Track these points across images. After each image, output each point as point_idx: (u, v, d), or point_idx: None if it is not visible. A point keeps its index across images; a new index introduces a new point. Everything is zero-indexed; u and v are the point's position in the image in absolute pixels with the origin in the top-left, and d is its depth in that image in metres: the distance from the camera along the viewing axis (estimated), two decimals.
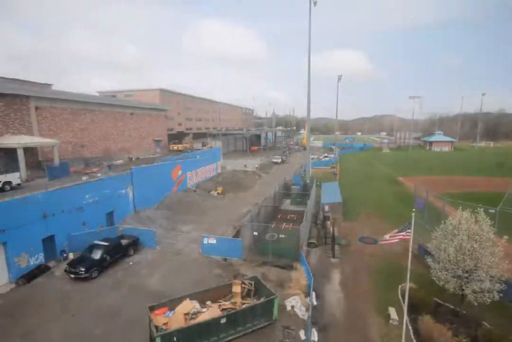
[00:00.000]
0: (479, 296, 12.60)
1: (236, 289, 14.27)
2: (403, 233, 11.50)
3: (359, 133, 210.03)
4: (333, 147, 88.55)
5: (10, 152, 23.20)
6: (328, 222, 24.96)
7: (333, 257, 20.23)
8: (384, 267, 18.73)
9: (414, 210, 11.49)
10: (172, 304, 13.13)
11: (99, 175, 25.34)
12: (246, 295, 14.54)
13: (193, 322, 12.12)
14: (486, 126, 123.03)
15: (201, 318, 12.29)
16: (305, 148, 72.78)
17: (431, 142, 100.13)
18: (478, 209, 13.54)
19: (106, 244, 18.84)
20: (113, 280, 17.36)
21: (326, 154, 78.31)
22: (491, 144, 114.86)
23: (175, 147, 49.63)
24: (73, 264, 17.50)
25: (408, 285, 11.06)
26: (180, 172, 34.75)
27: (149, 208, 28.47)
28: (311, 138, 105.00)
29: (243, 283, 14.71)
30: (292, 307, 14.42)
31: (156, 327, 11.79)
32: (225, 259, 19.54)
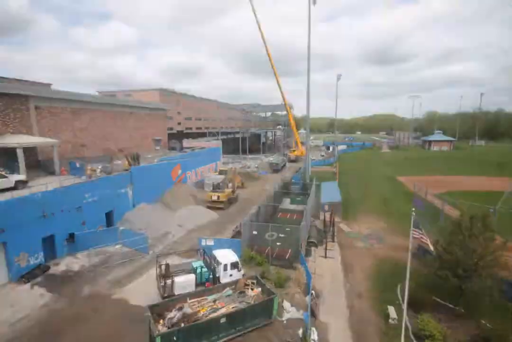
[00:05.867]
0: (479, 295, 12.64)
1: (241, 284, 14.63)
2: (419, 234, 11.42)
3: (359, 133, 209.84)
4: (332, 146, 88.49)
5: (9, 152, 23.16)
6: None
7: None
8: (384, 266, 18.75)
9: (413, 209, 11.46)
10: (172, 303, 13.14)
11: (99, 174, 25.25)
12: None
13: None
14: (485, 125, 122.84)
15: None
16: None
17: (430, 142, 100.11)
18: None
19: None
20: None
21: (323, 154, 78.38)
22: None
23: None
24: None
25: (407, 284, 11.07)
26: (179, 171, 34.73)
27: None
28: (311, 138, 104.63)
29: (245, 284, 14.82)
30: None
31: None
32: None
